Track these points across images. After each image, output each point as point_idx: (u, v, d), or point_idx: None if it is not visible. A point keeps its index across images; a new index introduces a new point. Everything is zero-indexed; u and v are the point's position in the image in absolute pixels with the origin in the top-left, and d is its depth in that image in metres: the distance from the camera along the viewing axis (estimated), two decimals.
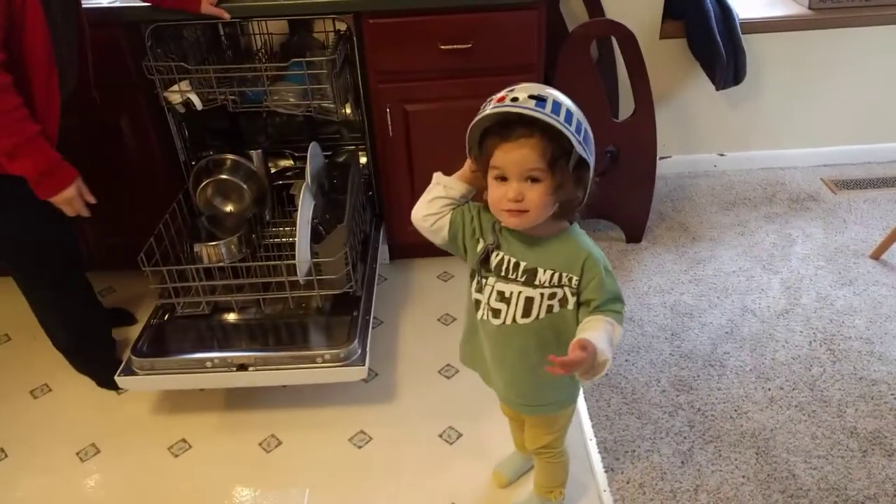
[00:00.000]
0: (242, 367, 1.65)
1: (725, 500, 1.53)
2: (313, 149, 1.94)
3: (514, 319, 1.12)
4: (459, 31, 1.83)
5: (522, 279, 1.10)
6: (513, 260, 1.11)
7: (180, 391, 1.81)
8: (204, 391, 1.82)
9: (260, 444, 1.70)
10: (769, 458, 1.62)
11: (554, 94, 1.02)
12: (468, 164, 1.13)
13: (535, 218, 1.05)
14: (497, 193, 1.04)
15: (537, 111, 0.98)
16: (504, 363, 1.21)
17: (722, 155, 2.79)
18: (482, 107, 1.05)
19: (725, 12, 2.36)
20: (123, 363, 1.68)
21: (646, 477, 1.58)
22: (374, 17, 1.82)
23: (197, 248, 1.86)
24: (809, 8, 2.50)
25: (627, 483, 1.57)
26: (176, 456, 1.68)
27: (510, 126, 1.00)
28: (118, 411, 1.81)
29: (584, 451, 1.64)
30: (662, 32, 2.47)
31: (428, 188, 1.16)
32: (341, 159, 2.26)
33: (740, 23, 2.39)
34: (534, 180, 1.01)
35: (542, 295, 1.10)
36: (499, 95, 1.02)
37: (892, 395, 1.77)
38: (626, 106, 2.32)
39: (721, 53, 2.33)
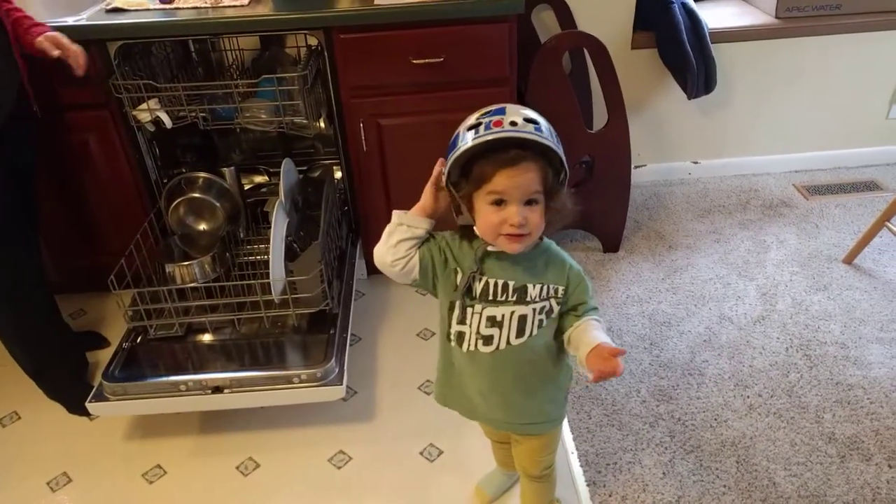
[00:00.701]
0: (218, 390, 1.62)
1: None
2: (286, 165, 1.92)
3: (507, 342, 1.11)
4: (431, 45, 1.83)
5: (514, 298, 1.09)
6: (500, 282, 1.09)
7: (154, 415, 1.77)
8: (179, 414, 1.78)
9: (237, 468, 1.66)
10: (749, 466, 1.62)
11: (535, 114, 1.03)
12: (429, 195, 1.10)
13: (533, 240, 1.06)
14: (495, 218, 1.02)
15: (539, 136, 0.99)
16: (499, 390, 1.17)
17: (696, 162, 2.82)
18: (460, 133, 1.03)
19: (695, 22, 2.38)
20: (94, 388, 1.64)
21: (628, 490, 1.58)
22: (345, 33, 1.81)
23: (169, 268, 1.83)
24: (776, 17, 2.54)
25: (610, 496, 1.56)
26: (150, 482, 1.64)
27: (505, 150, 0.99)
28: (90, 438, 1.76)
29: (566, 465, 1.63)
30: (634, 43, 2.49)
31: (388, 230, 1.11)
32: (316, 174, 2.25)
33: (709, 32, 2.42)
34: (534, 203, 1.02)
35: (534, 311, 1.10)
36: (494, 119, 0.99)
37: (868, 399, 1.78)
38: (600, 116, 2.33)
39: (692, 63, 2.36)
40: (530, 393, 1.18)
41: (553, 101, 2.08)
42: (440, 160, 1.08)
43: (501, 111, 1.01)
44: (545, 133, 1.00)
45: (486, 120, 1.00)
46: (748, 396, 1.80)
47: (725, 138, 2.77)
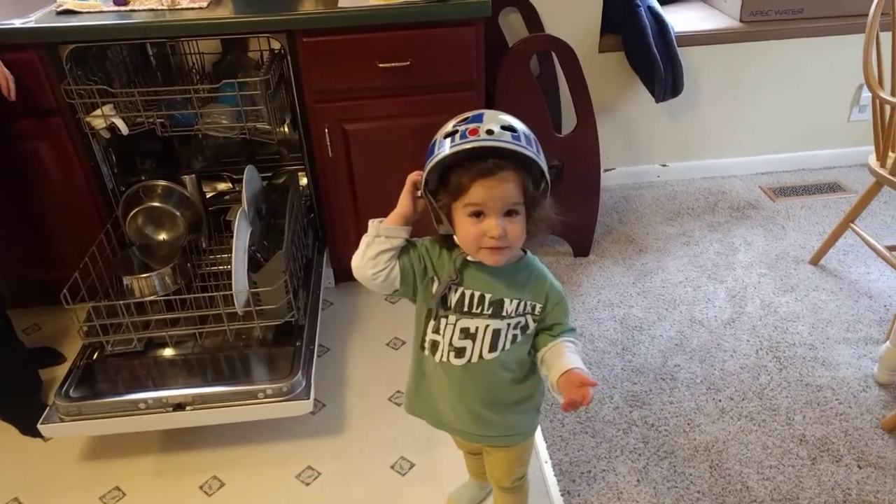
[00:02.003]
0: (179, 407, 1.56)
1: None
2: (249, 172, 1.86)
3: (480, 356, 1.07)
4: (397, 48, 1.79)
5: (489, 312, 1.06)
6: (476, 293, 1.06)
7: (113, 435, 1.69)
8: (139, 433, 1.71)
9: (201, 487, 1.60)
10: (723, 471, 1.61)
11: (514, 120, 0.99)
12: (407, 201, 1.05)
13: (514, 251, 1.03)
14: (474, 231, 0.99)
15: (516, 144, 0.95)
16: (469, 402, 1.14)
17: (664, 165, 2.83)
18: (437, 140, 0.99)
19: (661, 26, 2.39)
20: (47, 409, 1.57)
21: (603, 498, 1.55)
22: (309, 36, 1.77)
23: (127, 280, 1.76)
24: (740, 21, 2.56)
25: None
26: None
27: (482, 159, 0.96)
28: (44, 460, 1.68)
29: (540, 474, 1.60)
30: (601, 46, 2.49)
31: (365, 241, 1.06)
32: (280, 181, 2.19)
33: (676, 36, 2.43)
34: (514, 214, 0.99)
35: (508, 325, 1.07)
36: (470, 127, 0.95)
37: (837, 400, 1.79)
38: (569, 120, 2.32)
39: (659, 66, 2.36)
40: (501, 407, 1.15)
41: (522, 105, 2.06)
42: (416, 172, 1.05)
43: (479, 118, 0.97)
44: (523, 141, 0.97)
45: (463, 128, 0.96)
46: (720, 400, 1.80)
47: (692, 141, 2.79)
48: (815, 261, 2.31)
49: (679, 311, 2.11)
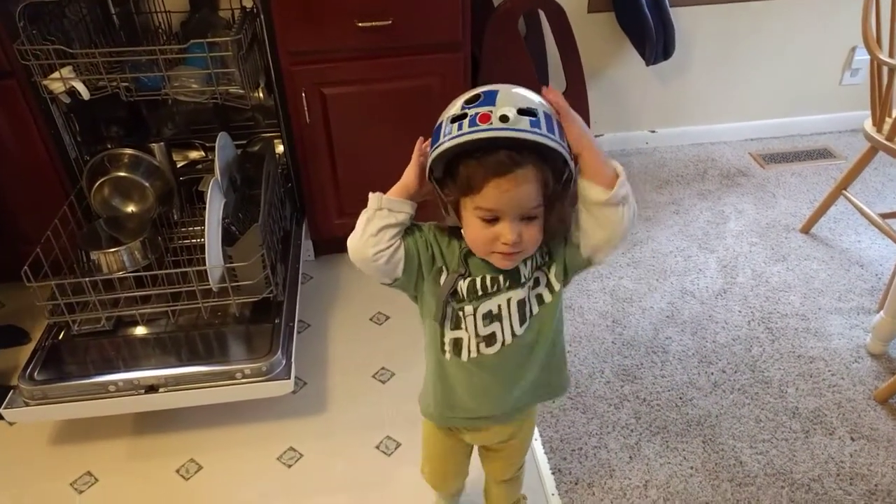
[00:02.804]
0: (152, 389, 1.48)
1: (675, 494, 1.48)
2: (222, 139, 1.76)
3: (512, 333, 0.96)
4: (377, 6, 1.68)
5: (507, 284, 0.94)
6: (488, 276, 0.94)
7: (83, 418, 1.61)
8: (111, 416, 1.63)
9: (177, 471, 1.53)
10: (716, 445, 1.58)
11: (532, 98, 0.85)
12: (413, 173, 0.92)
13: (529, 254, 0.91)
14: (485, 234, 0.86)
15: (536, 133, 0.81)
16: (511, 386, 1.02)
17: (653, 132, 2.76)
18: (443, 123, 0.85)
19: None
20: (10, 392, 1.48)
21: (594, 476, 1.52)
22: None
23: (94, 255, 1.66)
24: None
25: (576, 484, 1.50)
26: (80, 492, 1.50)
27: (496, 150, 0.81)
28: (11, 446, 1.60)
29: (531, 452, 1.56)
30: (590, 6, 2.38)
31: (365, 217, 0.91)
32: (255, 149, 2.08)
33: None
34: (531, 218, 0.86)
35: (529, 288, 0.96)
36: (481, 112, 0.81)
37: (829, 371, 1.77)
38: (557, 84, 2.23)
39: (650, 27, 2.27)
40: (542, 370, 1.03)
41: (509, 68, 1.97)
42: (421, 138, 0.92)
43: (491, 99, 0.82)
44: (544, 127, 0.82)
45: (472, 112, 0.82)
46: (712, 373, 1.76)
47: (682, 106, 2.71)
48: (806, 229, 2.27)
49: (670, 282, 2.07)
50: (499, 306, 0.95)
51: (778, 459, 1.55)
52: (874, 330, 1.79)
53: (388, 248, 0.90)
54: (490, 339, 0.96)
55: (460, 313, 0.95)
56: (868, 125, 1.99)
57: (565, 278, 0.97)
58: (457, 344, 0.97)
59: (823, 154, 2.71)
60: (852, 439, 1.59)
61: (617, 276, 2.09)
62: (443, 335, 0.98)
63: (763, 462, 1.55)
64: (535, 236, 0.88)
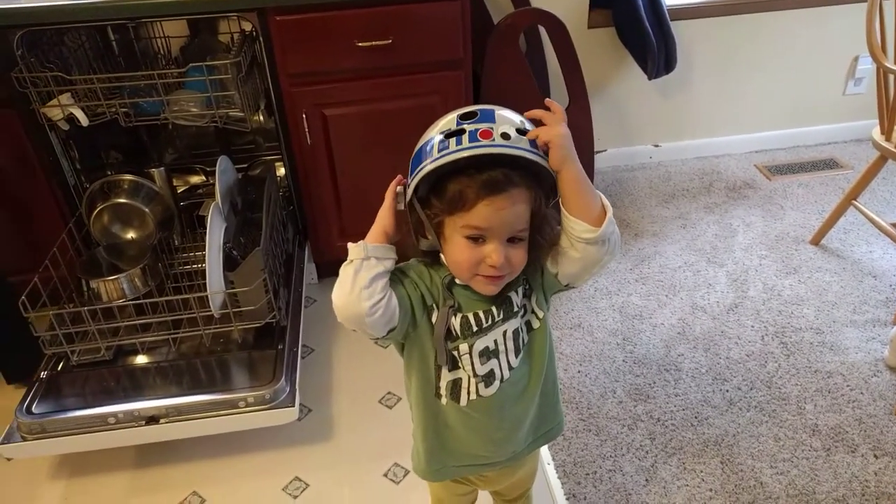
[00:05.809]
0: (153, 420, 1.44)
1: None
2: (222, 163, 1.74)
3: (509, 366, 0.93)
4: (377, 25, 1.67)
5: (501, 317, 0.91)
6: (481, 311, 0.90)
7: (82, 452, 1.57)
8: (111, 449, 1.59)
9: None
10: (734, 466, 1.53)
11: (525, 120, 0.84)
12: (389, 215, 0.87)
13: (512, 277, 0.88)
14: (470, 255, 0.83)
15: (535, 153, 0.80)
16: (516, 418, 0.98)
17: (657, 146, 2.74)
18: (433, 139, 0.82)
19: None
20: (8, 426, 1.44)
21: (610, 501, 1.47)
22: (281, 14, 1.64)
23: (93, 283, 1.63)
24: None
25: None
26: None
27: (491, 168, 0.80)
28: (8, 481, 1.56)
29: (543, 477, 1.51)
30: (590, 22, 2.38)
31: (350, 269, 0.84)
32: (256, 172, 2.06)
33: (668, 9, 2.32)
34: (517, 240, 0.84)
35: (520, 316, 0.93)
36: (481, 128, 0.79)
37: (848, 386, 1.72)
38: (558, 99, 2.20)
39: (652, 42, 2.25)
40: (538, 403, 1.00)
41: (511, 84, 1.95)
42: (398, 177, 0.89)
43: (489, 117, 0.81)
44: (539, 149, 0.82)
45: (472, 127, 0.80)
46: (727, 391, 1.72)
47: (685, 119, 2.69)
48: (816, 241, 2.23)
49: (680, 298, 2.03)
50: (495, 341, 0.91)
51: (800, 479, 1.50)
52: (892, 343, 1.75)
53: (382, 297, 0.84)
54: (489, 379, 0.92)
55: (455, 353, 0.91)
56: (876, 134, 1.96)
57: (546, 304, 0.96)
58: (455, 386, 0.93)
59: (830, 164, 2.68)
60: (875, 457, 1.54)
61: (626, 293, 2.06)
62: (439, 378, 0.93)
63: (784, 482, 1.49)
64: (521, 259, 0.86)
